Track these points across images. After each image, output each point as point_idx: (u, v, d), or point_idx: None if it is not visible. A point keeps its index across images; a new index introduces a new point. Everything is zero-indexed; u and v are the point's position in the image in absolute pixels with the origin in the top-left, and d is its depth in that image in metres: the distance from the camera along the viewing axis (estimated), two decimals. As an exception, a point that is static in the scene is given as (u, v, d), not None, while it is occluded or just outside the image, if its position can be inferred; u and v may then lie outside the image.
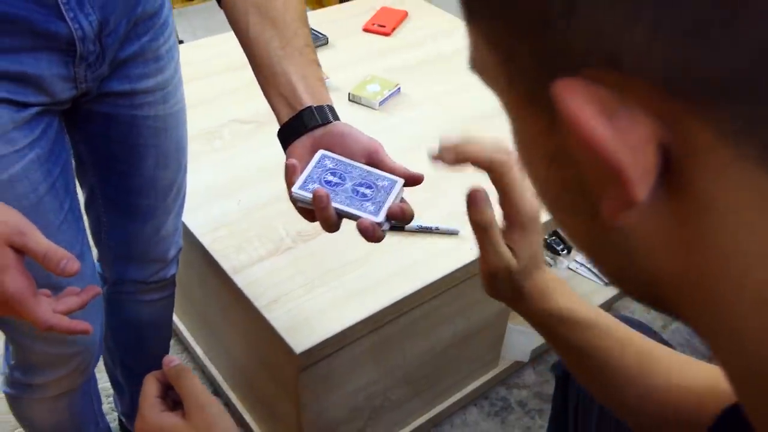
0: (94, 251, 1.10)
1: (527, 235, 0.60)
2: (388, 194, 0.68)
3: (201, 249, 1.15)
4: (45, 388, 0.98)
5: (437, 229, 1.18)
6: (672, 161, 0.25)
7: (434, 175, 1.23)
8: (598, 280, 1.70)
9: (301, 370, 1.03)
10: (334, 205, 0.67)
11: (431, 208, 1.21)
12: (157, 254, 1.08)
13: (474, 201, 0.57)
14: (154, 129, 0.94)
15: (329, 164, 0.70)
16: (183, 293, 1.24)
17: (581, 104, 0.24)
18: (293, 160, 0.70)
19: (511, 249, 0.60)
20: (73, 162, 0.96)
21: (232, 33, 1.81)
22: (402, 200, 0.70)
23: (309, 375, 1.05)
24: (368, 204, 0.68)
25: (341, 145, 0.72)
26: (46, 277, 0.84)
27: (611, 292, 1.68)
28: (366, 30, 1.77)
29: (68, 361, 0.95)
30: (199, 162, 1.29)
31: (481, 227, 0.59)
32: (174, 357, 0.66)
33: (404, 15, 1.83)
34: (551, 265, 1.72)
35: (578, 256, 1.75)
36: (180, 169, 1.03)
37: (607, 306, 1.68)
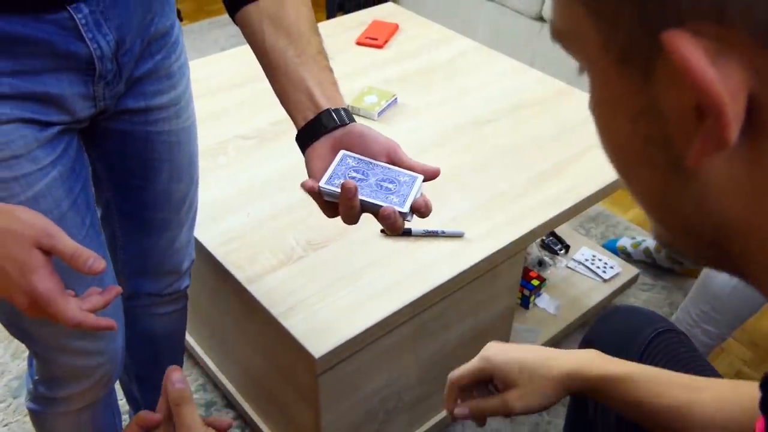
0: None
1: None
2: (411, 188, 0.72)
3: (214, 262, 1.18)
4: (69, 401, 1.01)
5: (443, 232, 1.21)
6: (755, 109, 0.28)
7: (437, 181, 1.28)
8: (596, 278, 1.74)
9: (320, 375, 1.06)
10: (361, 197, 0.71)
11: (435, 213, 1.24)
12: (171, 266, 1.11)
13: (463, 408, 0.81)
14: (167, 144, 0.97)
15: (351, 162, 0.74)
16: (192, 308, 1.27)
17: (691, 50, 0.27)
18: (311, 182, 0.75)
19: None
20: (90, 178, 0.99)
21: (231, 52, 1.84)
22: (422, 195, 0.74)
23: (327, 379, 1.08)
24: (393, 197, 0.72)
25: (361, 145, 0.76)
26: (69, 290, 0.88)
27: (609, 288, 1.72)
28: (359, 43, 1.81)
29: (93, 373, 0.97)
30: (205, 178, 1.31)
31: (477, 405, 0.80)
32: (177, 373, 0.65)
33: (395, 28, 1.87)
34: (551, 265, 1.76)
35: (576, 254, 1.79)
36: (192, 182, 1.06)
37: (607, 301, 1.72)
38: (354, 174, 0.73)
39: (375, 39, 1.81)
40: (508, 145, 1.44)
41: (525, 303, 1.64)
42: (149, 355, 1.25)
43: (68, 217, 0.85)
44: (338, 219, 1.24)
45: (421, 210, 0.73)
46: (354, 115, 1.41)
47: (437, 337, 1.27)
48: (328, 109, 0.76)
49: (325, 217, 1.27)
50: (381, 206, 0.71)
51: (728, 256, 0.34)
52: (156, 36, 0.89)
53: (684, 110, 0.29)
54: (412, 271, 1.15)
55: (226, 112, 1.54)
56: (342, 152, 0.75)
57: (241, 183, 1.33)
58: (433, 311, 1.19)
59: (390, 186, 0.73)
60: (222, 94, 1.59)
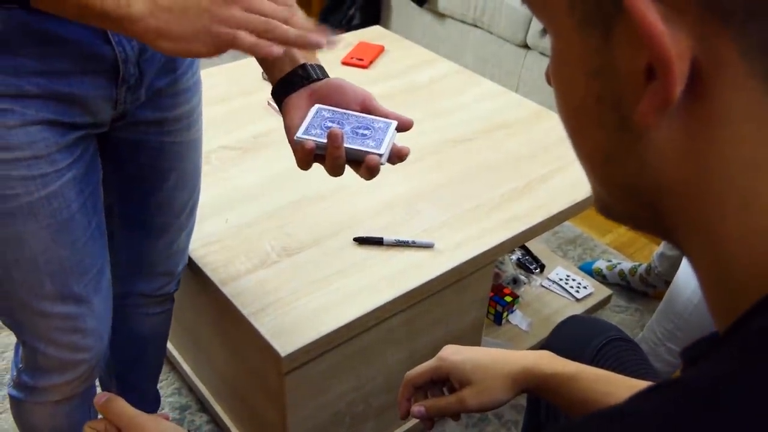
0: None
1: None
2: (386, 133, 0.76)
3: (192, 264, 1.22)
4: (49, 391, 1.03)
5: (413, 242, 1.25)
6: (697, 75, 0.31)
7: (410, 193, 1.32)
8: (569, 297, 1.78)
9: (287, 374, 1.09)
10: (346, 145, 0.74)
11: (408, 225, 1.29)
12: (166, 268, 1.15)
13: (420, 407, 0.84)
14: (178, 153, 1.02)
15: (326, 114, 0.77)
16: (174, 314, 1.31)
17: (649, 9, 0.30)
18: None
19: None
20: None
21: (224, 67, 1.88)
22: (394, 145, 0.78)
23: (294, 379, 1.12)
24: (369, 141, 0.75)
25: (338, 95, 0.79)
26: (69, 288, 0.91)
27: (582, 307, 1.76)
28: (344, 63, 1.87)
29: (77, 366, 1.00)
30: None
31: (432, 404, 0.84)
32: (103, 394, 0.70)
33: (381, 49, 1.93)
34: (525, 283, 1.80)
35: (551, 274, 1.83)
36: (195, 189, 1.11)
37: (579, 321, 1.75)
38: (330, 124, 0.76)
39: (360, 59, 1.87)
40: (483, 162, 1.49)
41: (498, 319, 1.68)
42: (133, 355, 1.28)
43: (76, 219, 0.89)
44: (313, 226, 1.28)
45: (397, 155, 0.77)
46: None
47: (406, 345, 1.30)
48: (304, 64, 0.80)
49: (301, 225, 1.32)
50: (360, 150, 0.74)
51: (662, 219, 0.36)
52: None
53: (636, 70, 0.31)
54: (381, 278, 1.19)
55: (214, 124, 1.58)
56: (316, 105, 0.78)
57: (222, 191, 1.37)
58: (402, 318, 1.23)
59: (366, 132, 0.76)
60: (210, 107, 1.64)
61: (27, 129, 0.80)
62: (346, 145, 0.75)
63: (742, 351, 0.30)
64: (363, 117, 0.78)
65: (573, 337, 0.96)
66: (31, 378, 1.03)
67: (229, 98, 1.67)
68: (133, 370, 1.28)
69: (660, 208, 0.36)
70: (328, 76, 0.82)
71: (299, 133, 0.76)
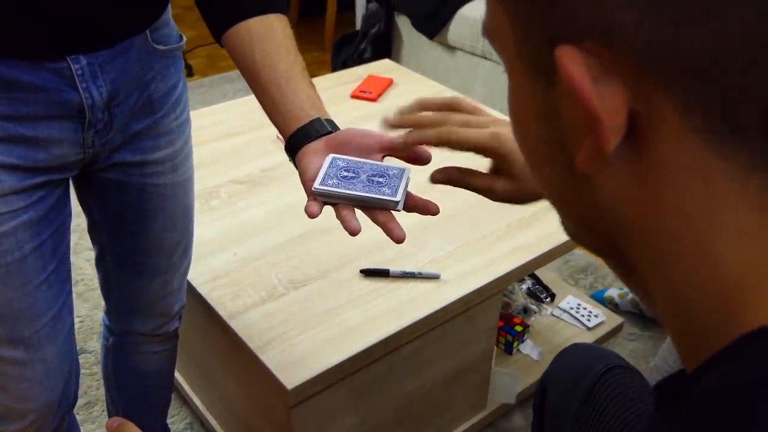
0: (103, 304, 1.19)
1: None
2: (400, 180, 0.77)
3: (200, 298, 1.23)
4: None
5: (420, 274, 1.26)
6: (637, 126, 0.31)
7: (417, 226, 1.33)
8: (580, 326, 1.77)
9: (294, 407, 1.09)
10: (356, 193, 0.75)
11: (414, 256, 1.30)
12: (162, 309, 1.15)
13: (445, 173, 0.76)
14: (162, 195, 1.01)
15: (341, 164, 0.78)
16: (184, 348, 1.32)
17: (576, 67, 0.30)
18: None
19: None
20: (80, 224, 1.03)
21: (232, 102, 1.91)
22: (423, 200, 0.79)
23: (301, 412, 1.12)
24: (385, 188, 0.76)
25: (356, 141, 0.79)
26: (18, 332, 0.90)
27: (593, 336, 1.75)
28: (354, 96, 1.90)
29: (23, 417, 0.96)
30: (198, 219, 1.38)
31: (460, 177, 0.75)
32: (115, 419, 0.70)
33: (389, 82, 1.96)
34: (536, 312, 1.79)
35: (561, 303, 1.83)
36: (186, 232, 1.10)
37: (591, 350, 1.74)
38: (345, 173, 0.77)
39: (369, 92, 1.90)
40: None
41: (509, 348, 1.67)
42: (137, 391, 1.29)
43: (28, 261, 0.87)
44: (320, 259, 1.30)
45: (428, 210, 0.77)
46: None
47: (414, 377, 1.30)
48: (319, 118, 0.81)
49: (307, 258, 1.33)
50: (376, 198, 0.75)
51: (619, 253, 0.37)
52: (157, 93, 0.94)
53: (577, 120, 0.32)
54: (388, 309, 1.20)
55: (224, 158, 1.61)
56: (331, 155, 0.79)
57: (231, 225, 1.39)
58: (409, 349, 1.23)
59: (381, 180, 0.77)
60: (221, 141, 1.67)
61: None
62: (362, 194, 0.75)
63: (691, 410, 0.30)
64: (377, 165, 0.78)
65: (573, 366, 0.96)
66: None
67: (238, 133, 1.70)
68: (139, 408, 1.28)
69: (620, 245, 0.36)
70: (339, 129, 0.82)
71: (316, 184, 0.76)
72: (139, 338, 1.18)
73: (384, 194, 0.76)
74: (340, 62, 3.12)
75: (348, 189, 0.75)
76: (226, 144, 1.66)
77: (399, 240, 0.75)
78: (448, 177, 0.77)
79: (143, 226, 1.03)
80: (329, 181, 0.76)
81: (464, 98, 0.77)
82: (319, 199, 0.77)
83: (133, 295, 1.12)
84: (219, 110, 1.84)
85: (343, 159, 0.79)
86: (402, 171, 0.79)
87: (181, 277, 1.15)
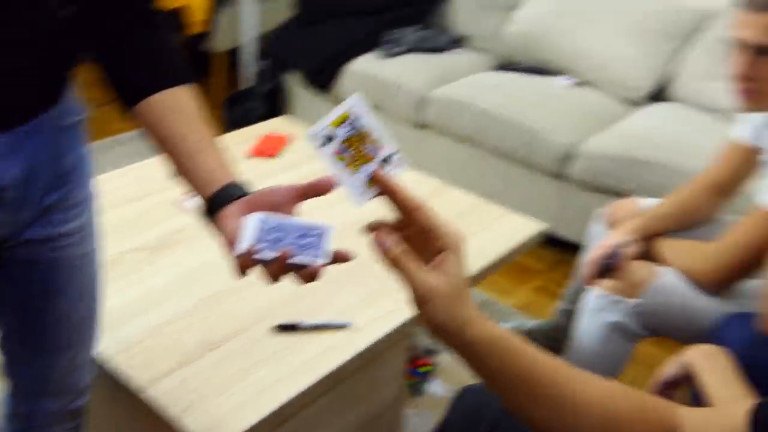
0: (6, 386, 1.15)
1: (456, 256, 0.70)
2: (323, 239, 0.81)
3: (110, 371, 1.23)
4: None
5: (329, 324, 1.32)
6: None
7: (330, 275, 1.38)
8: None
9: (217, 469, 1.11)
10: (293, 260, 0.78)
11: (326, 306, 1.36)
12: (71, 384, 1.13)
13: (378, 241, 0.71)
14: (73, 268, 1.02)
15: (266, 226, 0.80)
16: (94, 426, 1.29)
17: None
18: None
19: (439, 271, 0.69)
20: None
21: (125, 169, 1.91)
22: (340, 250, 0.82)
23: (224, 473, 1.13)
24: (311, 250, 0.79)
25: (271, 198, 0.83)
26: None
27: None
28: (253, 155, 1.94)
29: None
30: (103, 288, 1.38)
31: (392, 259, 0.69)
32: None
33: (285, 139, 2.03)
34: (439, 351, 1.88)
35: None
36: (94, 301, 1.10)
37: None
38: (273, 235, 0.79)
39: (268, 150, 1.95)
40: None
41: (417, 390, 1.74)
42: None
43: None
44: (233, 318, 1.32)
45: (345, 259, 0.81)
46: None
47: (331, 426, 1.34)
48: (233, 181, 0.86)
49: (220, 318, 1.35)
50: (305, 262, 0.78)
51: None
52: (67, 168, 0.96)
53: None
54: (300, 364, 1.24)
55: (126, 224, 1.61)
56: (256, 216, 0.81)
57: (138, 292, 1.40)
58: (325, 400, 1.28)
59: (306, 242, 0.80)
60: (121, 207, 1.67)
61: None
62: (297, 260, 0.78)
63: None
64: (300, 225, 0.82)
65: (470, 409, 1.00)
66: None
67: (138, 198, 1.70)
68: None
69: None
70: (251, 191, 0.86)
71: (243, 246, 0.78)
72: (47, 419, 1.15)
73: (311, 256, 0.79)
74: (232, 121, 3.16)
75: (279, 251, 0.78)
76: (125, 210, 1.66)
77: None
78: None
79: (50, 302, 1.03)
80: (260, 244, 0.79)
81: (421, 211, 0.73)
82: (251, 260, 0.79)
83: (41, 372, 1.10)
84: (114, 177, 1.83)
85: (267, 221, 0.81)
86: (323, 230, 0.82)
87: (90, 349, 1.14)
